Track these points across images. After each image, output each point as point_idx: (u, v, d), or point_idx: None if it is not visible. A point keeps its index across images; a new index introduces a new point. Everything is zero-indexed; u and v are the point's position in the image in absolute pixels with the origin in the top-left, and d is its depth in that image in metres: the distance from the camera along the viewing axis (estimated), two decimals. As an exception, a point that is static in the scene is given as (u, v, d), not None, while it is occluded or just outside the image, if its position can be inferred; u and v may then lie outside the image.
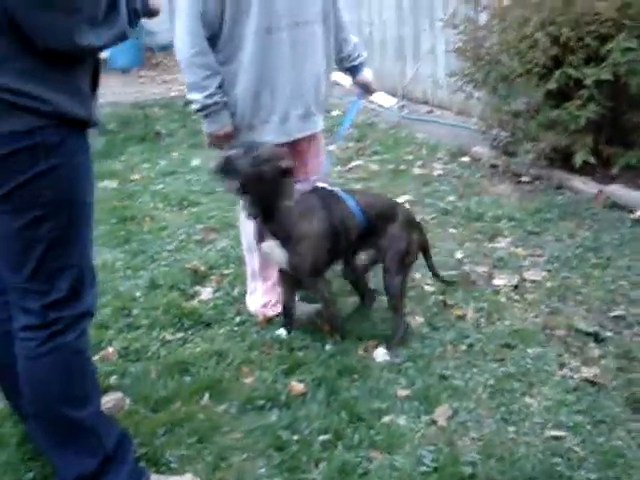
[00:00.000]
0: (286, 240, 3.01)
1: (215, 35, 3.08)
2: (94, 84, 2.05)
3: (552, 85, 4.64)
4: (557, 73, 4.61)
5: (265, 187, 2.91)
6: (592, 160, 4.69)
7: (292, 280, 3.22)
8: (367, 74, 3.63)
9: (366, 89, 3.66)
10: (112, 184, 5.52)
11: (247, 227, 3.36)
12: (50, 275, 2.04)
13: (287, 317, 3.29)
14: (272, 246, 3.05)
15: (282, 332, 3.26)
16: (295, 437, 2.55)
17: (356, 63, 3.56)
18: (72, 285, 2.08)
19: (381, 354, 3.07)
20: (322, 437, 2.54)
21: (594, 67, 4.54)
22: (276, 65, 3.12)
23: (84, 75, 1.99)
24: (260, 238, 3.09)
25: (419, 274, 3.69)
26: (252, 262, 3.44)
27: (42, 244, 1.99)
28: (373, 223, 3.14)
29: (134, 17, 1.95)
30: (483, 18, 5.56)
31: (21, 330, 2.10)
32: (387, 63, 7.96)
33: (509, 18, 4.93)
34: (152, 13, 2.09)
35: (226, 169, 2.86)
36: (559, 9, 4.58)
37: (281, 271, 3.24)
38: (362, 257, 3.27)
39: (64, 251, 2.04)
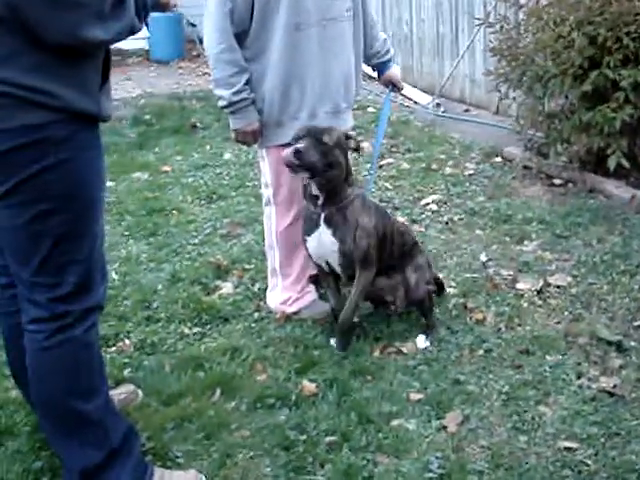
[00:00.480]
0: (340, 227, 2.97)
1: (244, 32, 3.08)
2: (105, 78, 2.05)
3: (587, 86, 4.54)
4: (593, 74, 4.51)
5: (334, 171, 2.92)
6: (626, 164, 4.58)
7: (337, 282, 3.19)
8: (395, 70, 3.61)
9: (394, 86, 3.65)
10: (144, 175, 5.55)
11: (271, 224, 3.36)
12: (58, 269, 2.05)
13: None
14: (322, 235, 3.00)
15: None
16: (302, 437, 2.54)
17: (384, 59, 3.55)
18: (81, 279, 2.09)
19: (422, 340, 3.13)
20: (329, 438, 2.52)
21: (632, 69, 4.43)
22: (305, 62, 3.11)
23: (94, 69, 1.99)
24: (309, 229, 3.04)
25: (441, 275, 3.65)
26: (273, 259, 3.44)
27: (49, 238, 2.00)
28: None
29: (143, 11, 1.95)
30: (520, 17, 5.47)
31: (29, 323, 2.12)
32: (425, 61, 7.89)
33: (545, 17, 4.83)
34: (164, 6, 2.08)
35: (297, 163, 2.84)
36: (596, 9, 4.48)
37: (323, 273, 3.18)
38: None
39: (72, 246, 2.05)
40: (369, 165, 5.26)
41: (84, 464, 2.19)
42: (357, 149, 3.12)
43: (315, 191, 2.95)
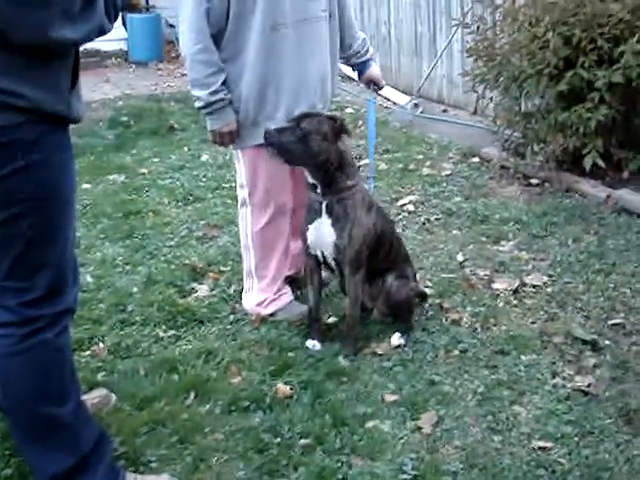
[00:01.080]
0: (340, 218, 2.97)
1: (219, 32, 3.07)
2: (74, 79, 2.02)
3: (563, 87, 4.57)
4: (568, 74, 4.54)
5: (318, 157, 2.90)
6: (602, 164, 4.61)
7: (320, 280, 3.18)
8: (375, 69, 3.61)
9: (374, 85, 3.64)
10: (120, 178, 5.50)
11: (247, 225, 3.34)
12: (28, 273, 2.03)
13: (314, 323, 3.17)
14: (322, 224, 3.00)
15: (314, 344, 3.12)
16: (276, 440, 2.53)
17: (364, 59, 3.55)
18: (52, 283, 2.06)
19: (396, 337, 3.12)
20: (303, 441, 2.51)
21: (606, 69, 4.46)
22: (281, 62, 3.11)
23: (64, 70, 1.96)
24: (311, 217, 3.03)
25: (417, 275, 3.64)
26: (249, 260, 3.42)
27: (19, 242, 1.97)
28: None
29: (113, 11, 1.92)
30: (497, 18, 5.49)
31: (-1, 327, 2.09)
32: (403, 61, 7.89)
33: (521, 18, 4.85)
34: (134, 6, 2.06)
35: (266, 142, 2.90)
36: (571, 10, 4.50)
37: (312, 267, 3.16)
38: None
39: (43, 249, 2.03)
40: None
41: (55, 469, 2.16)
42: (345, 132, 3.01)
43: (310, 179, 2.98)
